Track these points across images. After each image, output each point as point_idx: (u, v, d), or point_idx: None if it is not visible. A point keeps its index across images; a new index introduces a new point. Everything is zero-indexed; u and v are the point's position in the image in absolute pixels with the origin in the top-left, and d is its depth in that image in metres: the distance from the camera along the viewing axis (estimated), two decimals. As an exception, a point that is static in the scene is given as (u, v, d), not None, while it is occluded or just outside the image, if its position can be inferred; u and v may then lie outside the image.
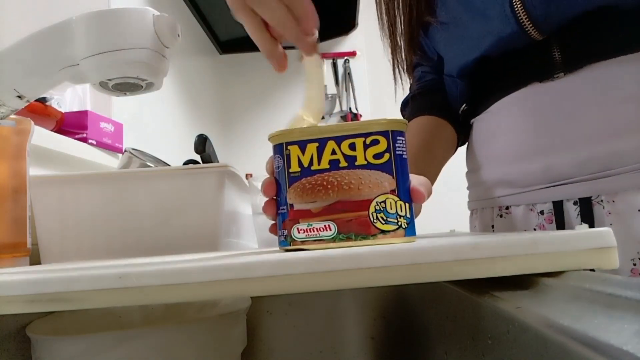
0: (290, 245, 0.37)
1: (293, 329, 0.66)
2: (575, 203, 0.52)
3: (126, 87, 0.47)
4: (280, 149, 0.38)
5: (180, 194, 0.60)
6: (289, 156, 0.37)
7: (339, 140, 0.36)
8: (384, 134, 0.36)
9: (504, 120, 0.58)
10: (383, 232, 0.35)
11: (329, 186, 0.35)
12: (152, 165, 0.73)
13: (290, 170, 0.37)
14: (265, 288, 0.28)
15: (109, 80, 0.45)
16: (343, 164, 0.36)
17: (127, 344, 0.40)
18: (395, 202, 0.35)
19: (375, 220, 0.35)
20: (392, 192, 0.36)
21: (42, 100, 0.81)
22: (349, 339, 0.66)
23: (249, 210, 0.73)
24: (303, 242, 0.36)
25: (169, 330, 0.42)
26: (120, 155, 0.99)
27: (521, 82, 0.55)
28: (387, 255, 0.28)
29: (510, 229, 0.60)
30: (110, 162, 0.96)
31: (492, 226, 0.63)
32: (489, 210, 0.64)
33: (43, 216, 0.60)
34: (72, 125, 0.88)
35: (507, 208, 0.60)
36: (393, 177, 0.36)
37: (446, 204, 2.19)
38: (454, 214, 2.09)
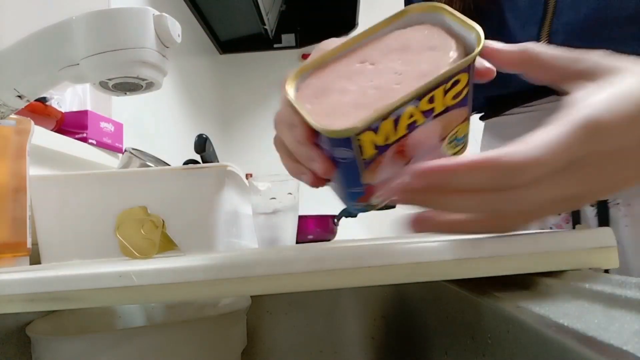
0: (369, 211, 0.34)
1: (293, 329, 0.66)
2: (592, 205, 0.54)
3: (126, 87, 0.47)
4: (346, 142, 0.29)
5: (180, 193, 0.60)
6: (360, 146, 0.29)
7: (418, 101, 0.28)
8: (466, 69, 0.29)
9: (519, 125, 0.59)
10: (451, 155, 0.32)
11: (407, 148, 0.30)
12: (152, 165, 0.73)
13: (364, 157, 0.30)
14: (265, 287, 0.28)
15: (109, 80, 0.45)
16: (420, 121, 0.29)
17: (127, 343, 0.40)
18: (465, 126, 0.32)
19: (446, 151, 0.32)
20: (465, 119, 0.31)
21: (42, 100, 0.81)
22: (349, 339, 0.66)
23: (249, 210, 0.73)
24: (384, 204, 0.33)
25: (169, 330, 0.42)
26: (120, 155, 0.99)
27: (533, 97, 0.56)
28: (387, 255, 0.28)
29: None
30: (110, 162, 0.96)
31: None
32: None
33: (43, 216, 0.60)
34: (72, 125, 0.88)
35: None
36: (467, 107, 0.31)
37: (446, 204, 2.18)
38: (454, 214, 2.08)
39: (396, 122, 0.29)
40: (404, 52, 0.31)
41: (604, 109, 0.26)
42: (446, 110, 0.30)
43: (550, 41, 0.52)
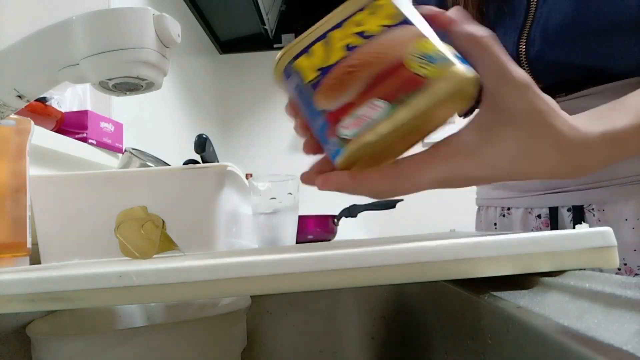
0: (346, 148, 0.31)
1: (293, 329, 0.66)
2: (569, 210, 0.57)
3: (126, 87, 0.47)
4: (289, 72, 0.34)
5: (180, 194, 0.60)
6: (300, 71, 0.33)
7: (341, 25, 0.32)
8: None
9: None
10: (433, 77, 0.30)
11: (355, 69, 0.31)
12: (152, 165, 0.73)
13: (308, 80, 0.32)
14: (265, 287, 0.28)
15: (109, 80, 0.45)
16: (357, 43, 0.31)
17: (127, 343, 0.40)
18: (432, 43, 0.31)
19: (417, 69, 0.30)
20: (421, 36, 0.31)
21: (42, 100, 0.81)
22: (349, 339, 0.66)
23: (249, 210, 0.73)
24: (359, 136, 0.30)
25: (168, 330, 0.42)
26: (120, 155, 0.99)
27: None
28: (387, 254, 0.28)
29: (510, 229, 0.64)
30: (110, 162, 0.96)
31: (495, 224, 0.68)
32: (493, 210, 0.68)
33: (43, 216, 0.60)
34: (72, 125, 0.88)
35: (508, 209, 0.65)
36: (414, 26, 0.31)
37: (446, 203, 2.18)
38: (454, 213, 2.09)
39: (328, 44, 0.32)
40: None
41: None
42: (385, 31, 0.31)
43: (528, 49, 0.54)
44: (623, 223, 0.52)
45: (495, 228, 0.68)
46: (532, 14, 0.54)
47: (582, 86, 0.54)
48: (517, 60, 0.55)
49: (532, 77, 0.55)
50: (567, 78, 0.54)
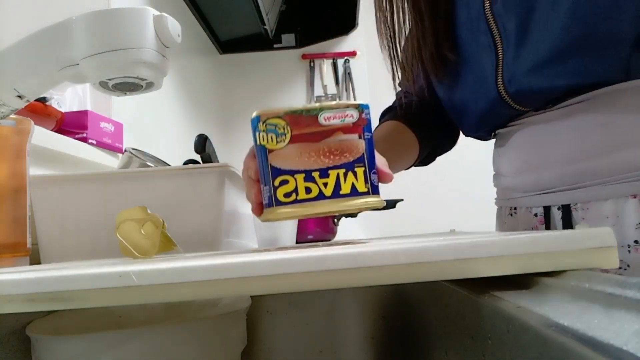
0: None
1: (293, 329, 0.66)
2: (559, 208, 0.61)
3: (126, 87, 0.47)
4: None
5: (181, 194, 0.60)
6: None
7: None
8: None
9: (509, 141, 0.68)
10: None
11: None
12: (152, 165, 0.73)
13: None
14: (265, 287, 0.28)
15: (109, 80, 0.45)
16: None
17: (127, 343, 0.40)
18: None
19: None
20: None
21: (42, 100, 0.81)
22: (349, 339, 0.66)
23: (249, 210, 0.73)
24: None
25: (169, 330, 0.42)
26: (120, 155, 0.99)
27: (522, 112, 0.64)
28: (387, 255, 0.28)
29: (516, 226, 0.70)
30: (110, 162, 0.96)
31: (505, 222, 0.73)
32: (505, 209, 0.73)
33: (43, 216, 0.60)
34: (72, 125, 0.88)
35: (515, 209, 0.70)
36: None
37: (446, 203, 2.18)
38: (454, 213, 2.09)
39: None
40: None
41: None
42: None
43: (506, 87, 0.59)
44: (605, 221, 0.55)
45: (505, 225, 0.72)
46: (501, 59, 0.58)
47: (567, 97, 0.57)
48: (500, 99, 0.60)
49: (519, 106, 0.59)
50: (555, 97, 0.58)
